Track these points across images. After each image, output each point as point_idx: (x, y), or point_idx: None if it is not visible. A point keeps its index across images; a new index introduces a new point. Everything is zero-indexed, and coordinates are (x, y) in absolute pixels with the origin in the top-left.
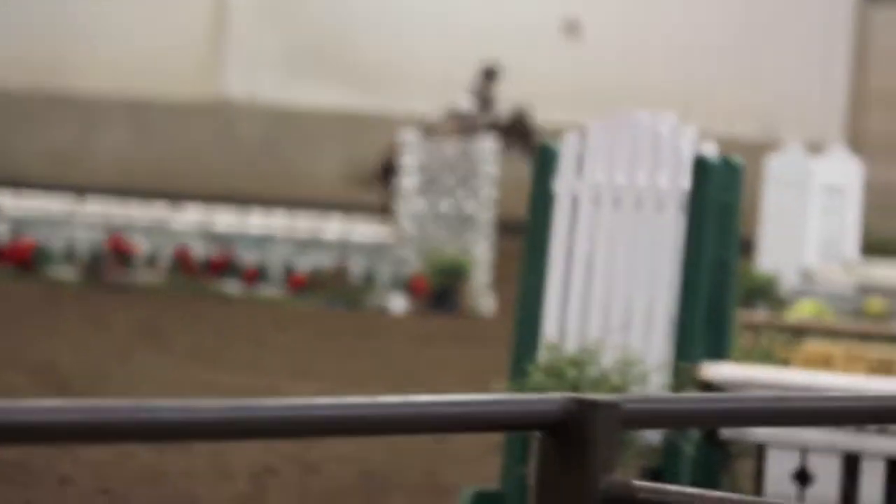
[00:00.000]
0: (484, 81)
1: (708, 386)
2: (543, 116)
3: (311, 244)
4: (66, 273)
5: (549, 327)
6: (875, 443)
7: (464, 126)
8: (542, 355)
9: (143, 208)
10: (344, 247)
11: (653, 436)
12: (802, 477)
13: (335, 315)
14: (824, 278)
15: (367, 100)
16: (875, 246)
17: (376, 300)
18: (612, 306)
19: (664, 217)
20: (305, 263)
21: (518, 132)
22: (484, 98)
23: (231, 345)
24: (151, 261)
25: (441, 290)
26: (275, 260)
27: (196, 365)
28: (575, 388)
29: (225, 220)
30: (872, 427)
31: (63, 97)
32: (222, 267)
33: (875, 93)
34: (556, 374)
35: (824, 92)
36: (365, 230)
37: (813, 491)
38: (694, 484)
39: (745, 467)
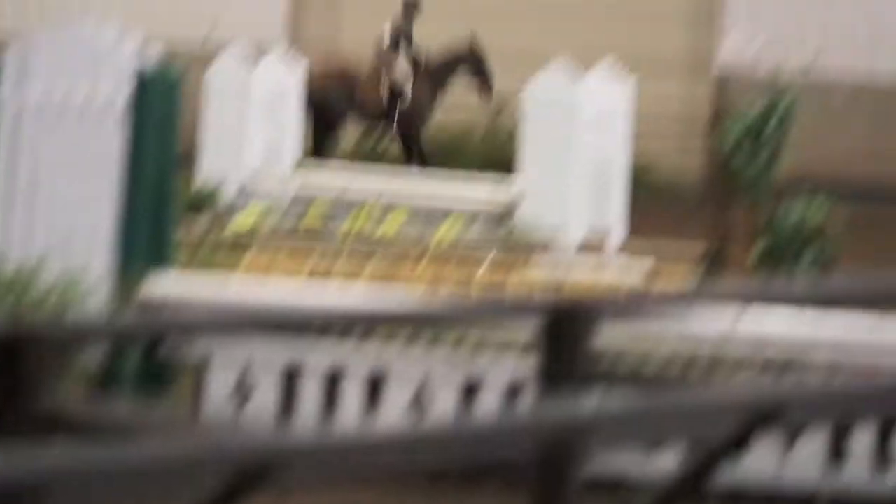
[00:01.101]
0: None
1: (148, 301)
2: None
3: None
4: None
5: None
6: (313, 355)
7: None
8: None
9: None
10: None
11: (93, 359)
12: (242, 392)
13: None
14: (264, 188)
15: None
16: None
17: None
18: (54, 224)
19: (104, 131)
20: None
21: (473, 65)
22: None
23: None
24: None
25: None
26: None
27: None
28: (16, 310)
29: None
30: (309, 338)
31: None
32: None
33: None
34: None
35: None
36: None
37: (252, 405)
38: (136, 402)
39: (190, 386)
